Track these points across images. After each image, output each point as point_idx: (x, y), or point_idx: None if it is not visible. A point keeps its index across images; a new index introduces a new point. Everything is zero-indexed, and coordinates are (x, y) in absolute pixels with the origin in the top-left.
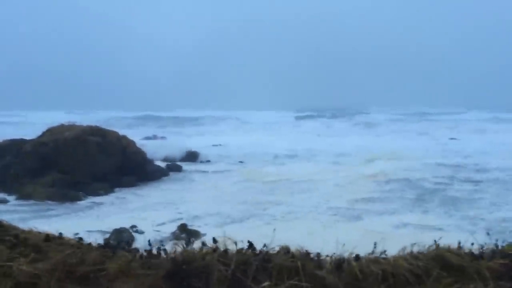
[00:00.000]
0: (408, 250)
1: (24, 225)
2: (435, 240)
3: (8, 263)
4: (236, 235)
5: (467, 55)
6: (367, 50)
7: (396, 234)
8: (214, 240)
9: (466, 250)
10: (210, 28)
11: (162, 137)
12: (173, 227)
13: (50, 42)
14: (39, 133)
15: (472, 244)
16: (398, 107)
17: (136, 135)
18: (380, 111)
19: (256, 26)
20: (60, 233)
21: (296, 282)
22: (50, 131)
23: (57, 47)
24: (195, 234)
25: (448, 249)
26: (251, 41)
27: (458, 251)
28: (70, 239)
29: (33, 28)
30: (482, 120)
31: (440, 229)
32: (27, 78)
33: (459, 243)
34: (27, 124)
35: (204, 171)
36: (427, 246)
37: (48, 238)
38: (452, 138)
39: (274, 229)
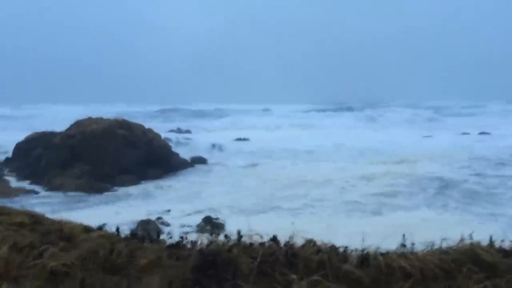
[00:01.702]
0: (437, 245)
1: (53, 216)
2: (470, 235)
3: (40, 253)
4: (258, 227)
5: (489, 46)
6: (387, 43)
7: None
8: (239, 234)
9: (497, 246)
10: (229, 21)
11: (187, 131)
12: (197, 219)
13: (67, 35)
14: (65, 126)
15: (502, 240)
16: (417, 101)
17: (160, 129)
18: (406, 105)
19: (277, 19)
20: (100, 225)
21: (320, 278)
22: (78, 124)
23: (74, 41)
24: (219, 226)
25: (479, 245)
26: (271, 34)
27: (489, 247)
28: (99, 230)
29: (50, 21)
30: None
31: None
32: (42, 72)
33: (491, 238)
34: (47, 118)
35: (228, 165)
36: (456, 242)
37: (78, 228)
38: (482, 133)
39: (292, 222)
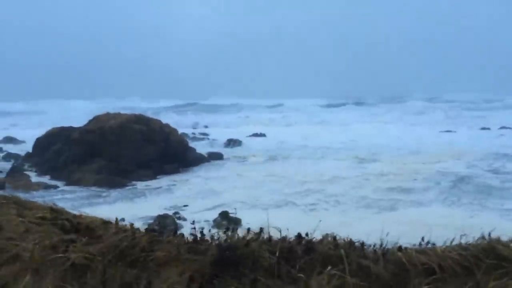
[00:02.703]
0: (456, 241)
1: (74, 210)
2: (489, 233)
3: (62, 247)
4: (274, 222)
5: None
6: (402, 37)
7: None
8: (261, 229)
9: None
10: (243, 16)
11: (203, 126)
12: (214, 214)
13: (78, 30)
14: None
15: None
16: (435, 95)
17: (176, 124)
18: (424, 99)
19: (290, 13)
20: (116, 218)
21: (339, 273)
22: (96, 119)
23: (85, 35)
24: (236, 221)
25: (499, 241)
26: (284, 28)
27: (509, 243)
28: (120, 224)
29: (55, 15)
30: None
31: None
32: (54, 67)
33: None
34: (61, 113)
35: (244, 160)
36: (476, 238)
37: (98, 222)
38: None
39: (319, 219)
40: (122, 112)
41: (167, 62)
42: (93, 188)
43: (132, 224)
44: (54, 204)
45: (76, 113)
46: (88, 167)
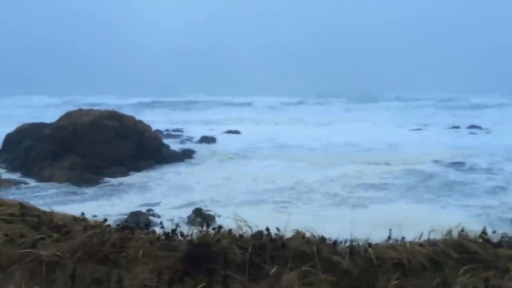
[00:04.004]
0: (425, 236)
1: (44, 207)
2: (463, 228)
3: (32, 243)
4: (247, 219)
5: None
6: (378, 35)
7: None
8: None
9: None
10: (213, 12)
11: (176, 123)
12: (188, 211)
13: (47, 24)
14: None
15: (494, 232)
16: (407, 94)
17: (149, 121)
18: (396, 98)
19: (261, 10)
20: (83, 213)
21: (309, 269)
22: (68, 115)
23: (54, 30)
24: (209, 218)
25: (466, 237)
26: (256, 25)
27: (477, 239)
28: (90, 221)
29: (20, 13)
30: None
31: None
32: (17, 62)
33: (483, 230)
34: (27, 110)
35: (217, 157)
36: (444, 233)
37: (69, 219)
38: (472, 126)
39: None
40: (90, 108)
41: (134, 60)
42: (65, 185)
43: (102, 221)
44: (23, 201)
45: (40, 109)
46: (60, 163)
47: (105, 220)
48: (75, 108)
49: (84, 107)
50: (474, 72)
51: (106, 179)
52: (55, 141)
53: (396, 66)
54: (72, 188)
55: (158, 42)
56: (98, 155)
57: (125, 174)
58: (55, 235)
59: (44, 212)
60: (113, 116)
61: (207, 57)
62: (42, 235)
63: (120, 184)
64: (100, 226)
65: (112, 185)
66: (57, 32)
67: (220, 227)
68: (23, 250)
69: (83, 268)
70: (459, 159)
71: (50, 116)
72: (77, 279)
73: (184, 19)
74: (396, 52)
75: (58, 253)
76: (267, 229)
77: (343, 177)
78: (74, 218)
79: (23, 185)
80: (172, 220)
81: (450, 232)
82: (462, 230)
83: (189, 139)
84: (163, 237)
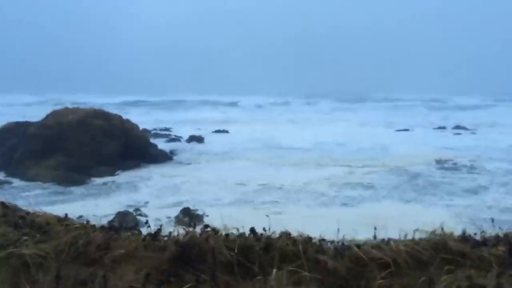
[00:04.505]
0: (410, 236)
1: (29, 208)
2: (442, 227)
3: (15, 244)
4: (236, 219)
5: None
6: (362, 35)
7: None
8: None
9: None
10: (196, 10)
11: (164, 122)
12: (176, 210)
13: (22, 24)
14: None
15: (480, 232)
16: (394, 94)
17: (136, 120)
18: (383, 98)
19: (245, 9)
20: (66, 214)
21: (296, 269)
22: (54, 114)
23: (32, 29)
24: (197, 218)
25: (450, 236)
26: (243, 23)
27: (461, 238)
28: (75, 221)
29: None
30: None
31: None
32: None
33: (463, 231)
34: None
35: (205, 157)
36: (429, 232)
37: (53, 219)
38: (457, 127)
39: (267, 216)
40: (76, 106)
41: (120, 58)
42: (51, 184)
43: (87, 221)
44: (7, 201)
45: (22, 108)
46: (45, 163)
47: (87, 221)
48: (59, 107)
49: (69, 106)
50: (460, 74)
51: (93, 178)
52: (41, 140)
53: (384, 67)
54: (58, 188)
55: (142, 41)
56: (84, 154)
57: (112, 173)
58: (39, 235)
59: (28, 213)
60: (100, 115)
61: (193, 56)
62: (26, 236)
63: (107, 183)
64: (85, 227)
65: (99, 185)
66: (38, 29)
67: (206, 226)
68: (6, 251)
69: (67, 269)
70: (444, 159)
71: (34, 114)
72: (61, 280)
73: (171, 18)
74: (383, 53)
75: (42, 254)
76: (253, 229)
77: (331, 177)
78: (59, 219)
79: (7, 185)
80: (159, 220)
81: (434, 231)
82: (442, 229)
83: (177, 138)
84: (149, 237)
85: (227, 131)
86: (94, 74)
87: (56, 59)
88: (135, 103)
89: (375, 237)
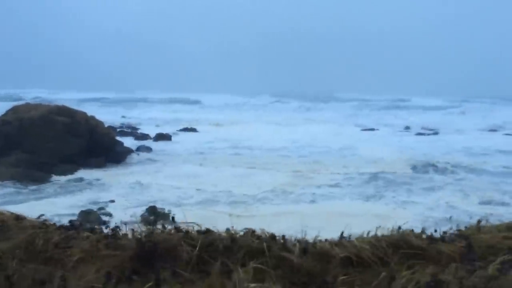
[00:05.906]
0: (372, 233)
1: None
2: (399, 226)
3: None
4: (201, 218)
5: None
6: (329, 35)
7: None
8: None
9: (429, 234)
10: (160, 5)
11: (130, 119)
12: (142, 209)
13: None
14: None
15: (442, 231)
16: (361, 95)
17: (100, 118)
18: (349, 98)
19: (213, 4)
20: (37, 215)
21: (260, 266)
22: (15, 109)
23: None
24: (164, 216)
25: (411, 232)
26: (206, 20)
27: (421, 235)
28: (34, 220)
29: None
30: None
31: None
32: None
33: (423, 228)
34: None
35: (172, 155)
36: (390, 230)
37: (10, 218)
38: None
39: (231, 215)
40: (35, 102)
41: (77, 54)
42: (10, 182)
43: (45, 220)
44: None
45: None
46: (4, 160)
47: (45, 220)
48: (19, 103)
49: (29, 102)
50: (426, 75)
51: (55, 176)
52: (0, 136)
53: (350, 67)
54: (17, 186)
55: (104, 36)
56: (46, 151)
57: (75, 171)
58: None
59: None
60: (63, 111)
61: (154, 53)
62: None
63: (70, 182)
64: (44, 226)
65: (61, 183)
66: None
67: (168, 224)
68: None
69: (24, 269)
70: (407, 160)
71: None
72: (17, 280)
73: (135, 14)
74: (349, 52)
75: None
76: (215, 227)
77: (296, 176)
78: (17, 217)
79: None
80: (124, 219)
81: (395, 229)
82: (400, 227)
83: (144, 136)
84: (110, 235)
85: (195, 129)
86: (56, 69)
87: (13, 53)
88: (94, 100)
89: (342, 235)
